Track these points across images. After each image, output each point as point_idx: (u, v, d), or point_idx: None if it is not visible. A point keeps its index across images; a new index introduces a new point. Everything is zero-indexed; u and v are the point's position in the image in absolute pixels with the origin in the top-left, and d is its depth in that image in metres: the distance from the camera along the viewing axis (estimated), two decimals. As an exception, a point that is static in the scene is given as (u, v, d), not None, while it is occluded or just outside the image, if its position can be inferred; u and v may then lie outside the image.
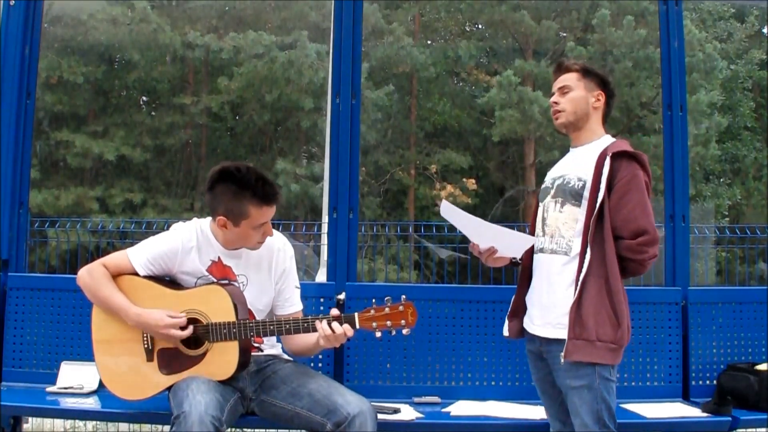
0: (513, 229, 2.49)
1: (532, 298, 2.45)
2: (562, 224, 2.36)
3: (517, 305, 2.51)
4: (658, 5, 3.31)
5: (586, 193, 2.31)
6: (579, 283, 2.25)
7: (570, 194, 2.36)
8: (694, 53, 13.73)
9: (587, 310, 2.23)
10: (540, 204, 2.49)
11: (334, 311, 2.36)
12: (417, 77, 16.10)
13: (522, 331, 2.50)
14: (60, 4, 13.92)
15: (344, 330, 2.31)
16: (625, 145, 2.34)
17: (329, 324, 2.31)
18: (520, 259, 2.50)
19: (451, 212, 2.39)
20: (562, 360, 2.24)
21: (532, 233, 2.50)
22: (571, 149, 2.53)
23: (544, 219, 2.44)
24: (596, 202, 2.27)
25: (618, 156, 2.29)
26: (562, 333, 2.26)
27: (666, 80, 3.27)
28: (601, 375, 2.23)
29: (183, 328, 2.36)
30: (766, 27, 17.01)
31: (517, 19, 15.23)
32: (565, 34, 16.11)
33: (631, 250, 2.24)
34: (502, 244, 2.40)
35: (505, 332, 2.55)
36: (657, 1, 3.32)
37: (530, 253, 2.47)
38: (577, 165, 2.40)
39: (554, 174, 2.50)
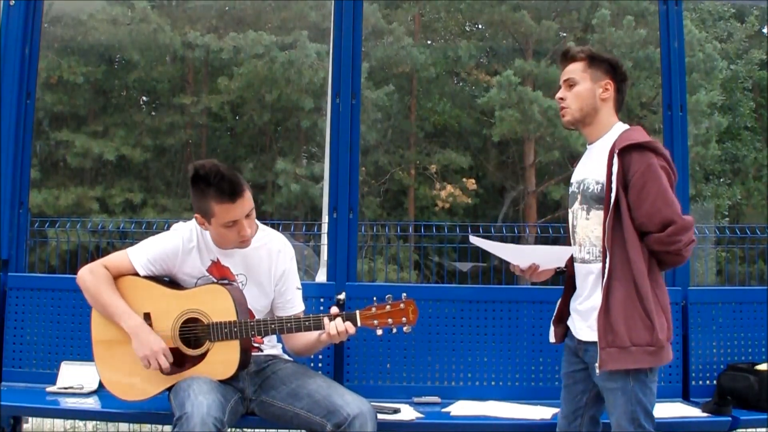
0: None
1: (574, 305, 2.39)
2: (591, 232, 2.29)
3: (561, 311, 2.46)
4: (658, 5, 3.30)
5: (604, 195, 2.22)
6: (603, 290, 2.19)
7: (593, 199, 2.28)
8: (694, 53, 13.74)
9: (616, 315, 2.16)
10: (569, 210, 2.41)
11: (334, 309, 2.37)
12: (417, 77, 16.10)
13: (566, 336, 2.46)
14: (60, 4, 13.92)
15: (346, 327, 2.31)
16: (634, 135, 2.23)
17: (332, 320, 2.32)
18: (565, 267, 2.43)
19: (481, 243, 2.37)
20: (598, 371, 2.19)
21: (569, 238, 2.44)
22: (588, 146, 2.42)
23: (573, 227, 2.37)
24: (611, 203, 2.19)
25: (626, 150, 2.19)
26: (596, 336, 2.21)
27: (666, 80, 3.26)
28: (636, 377, 2.17)
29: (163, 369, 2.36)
30: (766, 27, 17.02)
31: (517, 19, 15.24)
32: (565, 34, 16.12)
33: (662, 243, 2.16)
34: (542, 259, 2.37)
35: (551, 338, 2.49)
36: (657, 1, 3.32)
37: (572, 259, 2.41)
38: (594, 166, 2.31)
39: (577, 177, 2.39)
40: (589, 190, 2.30)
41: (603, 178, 2.24)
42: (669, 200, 2.16)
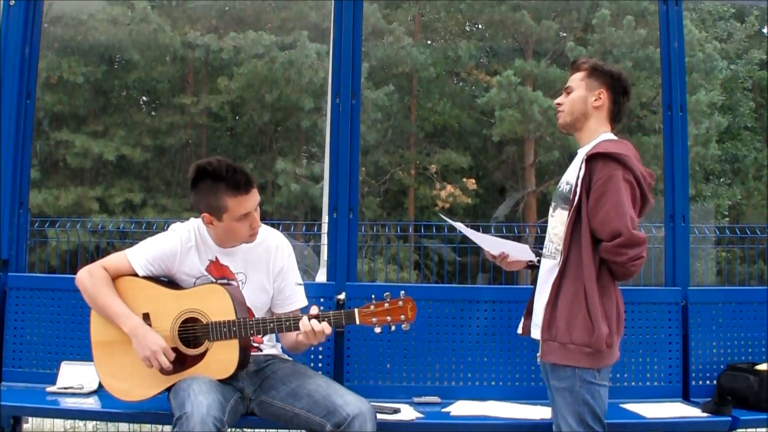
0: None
1: (534, 300, 2.48)
2: (553, 228, 2.38)
3: (530, 306, 2.53)
4: (658, 5, 3.30)
5: (571, 197, 2.31)
6: (553, 285, 2.27)
7: (561, 198, 2.38)
8: (694, 53, 13.73)
9: (561, 312, 2.25)
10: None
11: (314, 309, 2.38)
12: (417, 77, 16.09)
13: None
14: (60, 4, 13.92)
15: (323, 328, 2.33)
16: (609, 146, 2.29)
17: (309, 320, 2.33)
18: (537, 262, 2.51)
19: (464, 230, 2.60)
20: (539, 360, 2.30)
21: None
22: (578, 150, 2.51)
23: (548, 223, 2.47)
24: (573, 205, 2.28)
25: (593, 158, 2.26)
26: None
27: (666, 80, 3.26)
28: (582, 378, 2.23)
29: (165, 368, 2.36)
30: (766, 27, 17.02)
31: (517, 19, 15.23)
32: (565, 34, 16.11)
33: (609, 253, 2.22)
34: (510, 250, 2.54)
35: (519, 330, 2.57)
36: (657, 1, 3.32)
37: None
38: (571, 169, 2.41)
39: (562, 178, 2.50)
40: (560, 190, 2.41)
41: (573, 181, 2.32)
42: (621, 212, 2.20)
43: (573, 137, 2.51)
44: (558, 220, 2.37)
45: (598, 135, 2.41)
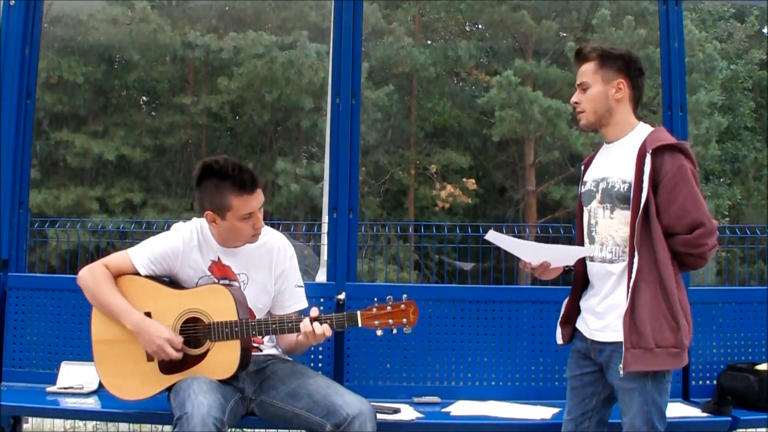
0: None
1: (587, 305, 2.36)
2: (615, 231, 2.26)
3: (569, 311, 2.43)
4: (658, 5, 3.30)
5: (632, 195, 2.20)
6: (630, 290, 2.17)
7: (618, 198, 2.25)
8: (694, 53, 13.74)
9: (642, 316, 2.14)
10: (585, 209, 2.38)
11: (314, 311, 2.37)
12: (417, 77, 16.10)
13: (572, 337, 2.43)
14: (60, 4, 13.92)
15: (323, 330, 2.32)
16: (664, 136, 2.21)
17: (311, 323, 2.33)
18: (572, 267, 2.42)
19: (497, 239, 2.36)
20: (621, 372, 2.16)
21: (579, 237, 2.42)
22: (605, 145, 2.39)
23: (591, 225, 2.34)
24: (640, 202, 2.16)
25: (659, 150, 2.17)
26: (617, 336, 2.19)
27: (666, 80, 3.26)
28: (654, 379, 2.17)
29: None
30: (766, 27, 17.03)
31: (517, 19, 15.24)
32: (565, 34, 16.13)
33: (689, 245, 2.15)
34: (554, 258, 2.35)
35: (558, 340, 2.46)
36: (657, 1, 3.31)
37: (582, 259, 2.38)
38: (619, 165, 2.27)
39: (595, 175, 2.36)
40: (615, 189, 2.26)
41: (630, 178, 2.21)
42: (699, 203, 2.16)
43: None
44: (620, 221, 2.24)
45: (631, 126, 2.31)
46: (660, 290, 2.15)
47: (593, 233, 2.33)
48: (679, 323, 2.15)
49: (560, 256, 2.36)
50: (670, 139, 2.21)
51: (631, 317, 2.15)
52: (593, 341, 2.31)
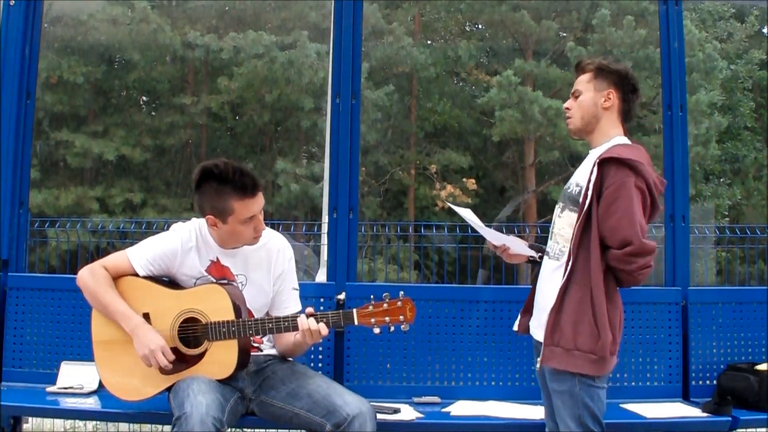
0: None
1: (536, 300, 2.45)
2: (560, 229, 2.35)
3: (528, 303, 2.51)
4: (658, 5, 3.30)
5: (581, 199, 2.27)
6: (560, 289, 2.23)
7: (569, 199, 2.35)
8: (694, 53, 13.72)
9: (567, 317, 2.21)
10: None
11: (309, 309, 2.37)
12: (417, 77, 16.09)
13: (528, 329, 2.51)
14: (60, 4, 13.91)
15: (319, 328, 2.32)
16: (622, 150, 2.25)
17: (307, 318, 2.34)
18: (539, 258, 2.49)
19: (460, 211, 2.52)
20: (538, 365, 2.27)
21: None
22: (590, 151, 2.45)
23: (552, 222, 2.44)
24: (584, 208, 2.24)
25: (606, 162, 2.21)
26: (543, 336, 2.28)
27: (666, 80, 3.26)
28: (582, 381, 2.21)
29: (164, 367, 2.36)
30: (766, 27, 17.01)
31: (517, 19, 15.23)
32: (565, 34, 16.11)
33: (618, 261, 2.19)
34: (510, 244, 2.49)
35: (515, 327, 2.55)
36: (657, 1, 3.32)
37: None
38: (582, 170, 2.36)
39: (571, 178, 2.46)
40: (569, 191, 2.37)
41: (584, 183, 2.28)
42: (632, 221, 2.17)
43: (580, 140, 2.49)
44: (565, 222, 2.33)
45: (611, 137, 2.36)
46: (589, 296, 2.19)
47: (552, 229, 2.42)
48: (600, 333, 2.17)
49: (515, 245, 2.51)
50: (623, 154, 2.22)
51: (557, 315, 2.22)
52: (535, 340, 2.39)
